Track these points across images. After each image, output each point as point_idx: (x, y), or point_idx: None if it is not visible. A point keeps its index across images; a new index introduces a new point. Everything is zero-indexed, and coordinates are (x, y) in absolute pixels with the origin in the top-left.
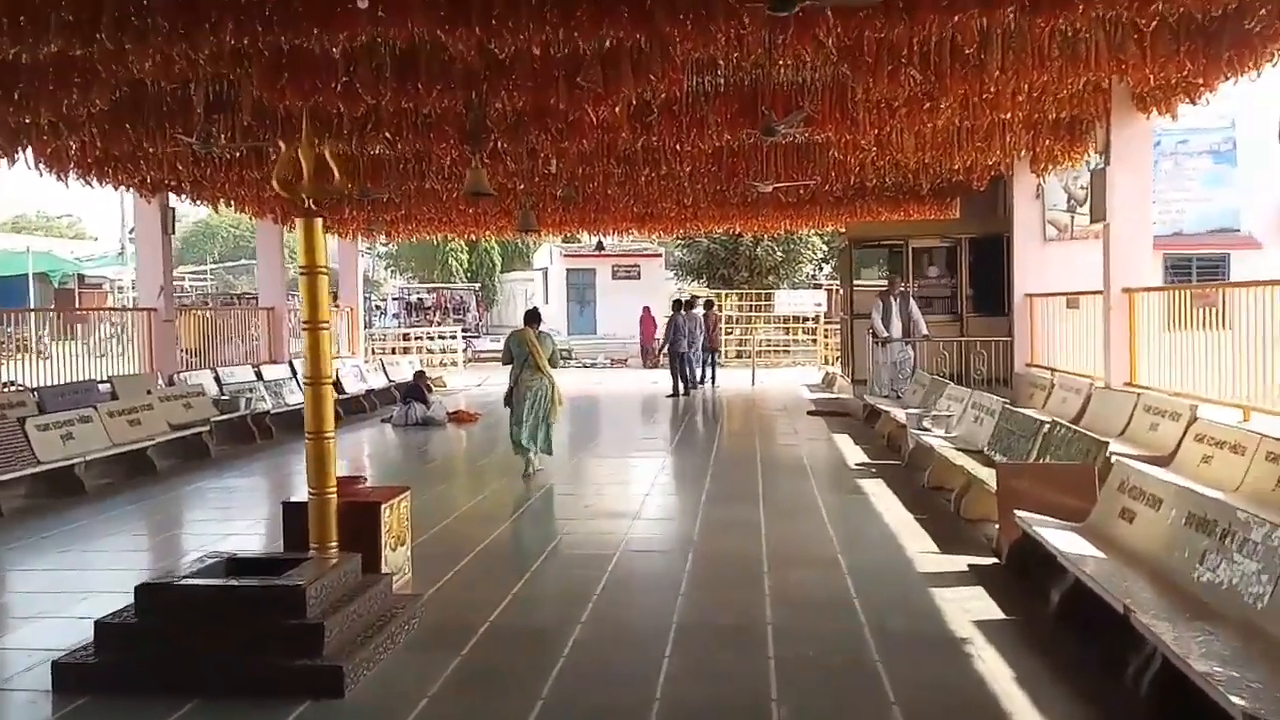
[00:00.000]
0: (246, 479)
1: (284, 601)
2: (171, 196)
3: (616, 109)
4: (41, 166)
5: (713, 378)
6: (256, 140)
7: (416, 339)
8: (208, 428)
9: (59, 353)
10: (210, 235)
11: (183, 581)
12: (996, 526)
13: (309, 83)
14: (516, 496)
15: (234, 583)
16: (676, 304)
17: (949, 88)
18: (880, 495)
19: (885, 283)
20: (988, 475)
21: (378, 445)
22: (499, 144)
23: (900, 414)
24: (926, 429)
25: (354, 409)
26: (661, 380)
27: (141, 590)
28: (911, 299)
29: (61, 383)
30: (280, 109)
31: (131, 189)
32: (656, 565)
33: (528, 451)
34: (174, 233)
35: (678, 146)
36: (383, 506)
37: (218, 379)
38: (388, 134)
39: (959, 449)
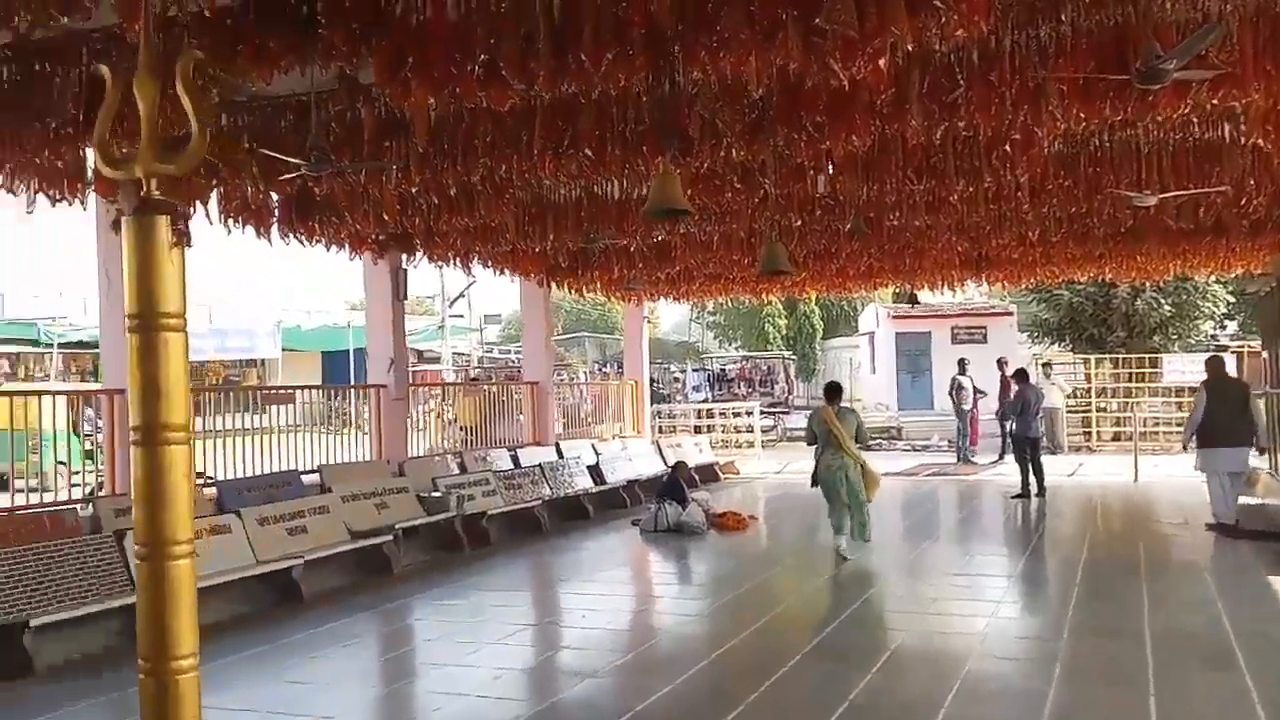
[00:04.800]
0: (389, 627)
1: None
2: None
3: (882, 62)
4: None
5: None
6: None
7: (709, 416)
8: (390, 537)
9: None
10: (555, 309)
11: None
12: None
13: (440, 68)
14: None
15: None
16: (1020, 373)
17: None
18: None
19: None
20: None
21: (582, 568)
22: (732, 151)
23: None
24: None
25: (612, 504)
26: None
27: None
28: None
29: (255, 474)
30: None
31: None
32: None
33: (841, 532)
34: (405, 298)
35: (1005, 142)
36: None
37: (463, 465)
38: (588, 150)
39: None
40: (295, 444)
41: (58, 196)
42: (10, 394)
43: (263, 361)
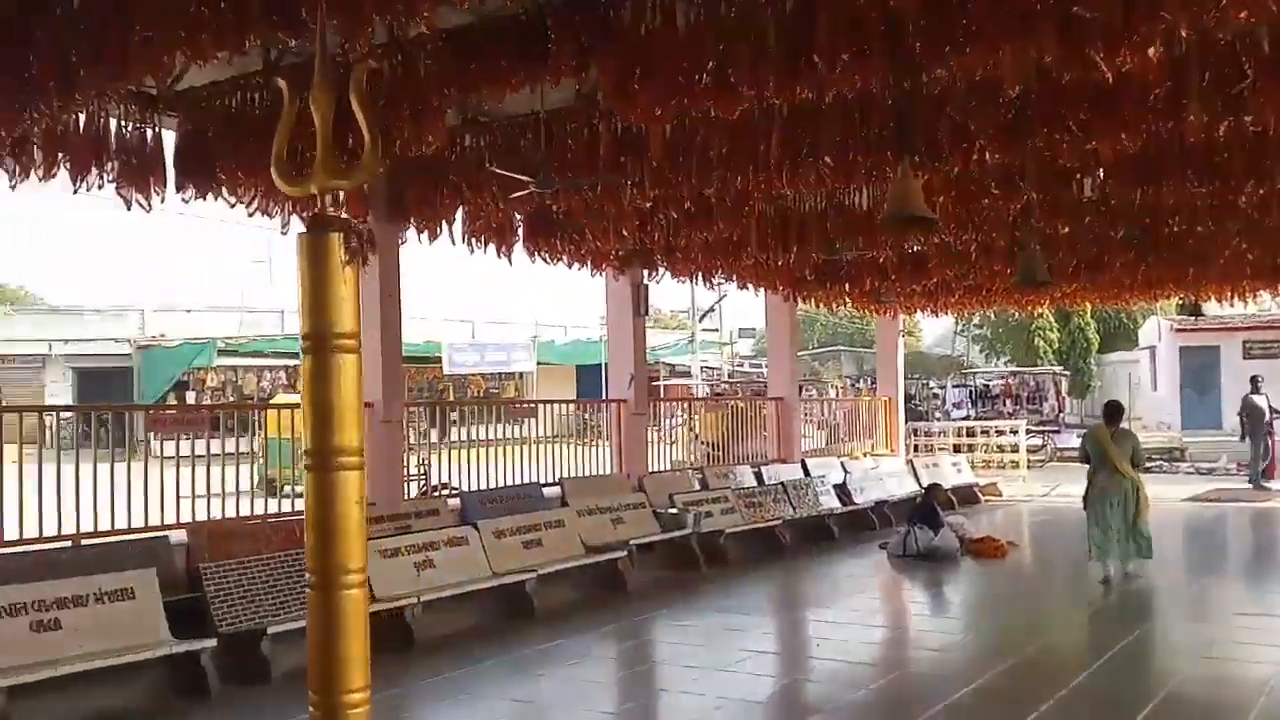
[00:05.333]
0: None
1: None
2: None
3: (1151, 52)
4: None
5: None
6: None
7: (970, 435)
8: (624, 553)
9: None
10: (810, 323)
11: None
12: None
13: (667, 78)
14: None
15: None
16: None
17: None
18: None
19: None
20: None
21: (823, 593)
22: (986, 155)
23: None
24: None
25: (859, 525)
26: None
27: None
28: None
29: (499, 486)
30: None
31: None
32: None
33: (1105, 557)
34: (646, 313)
35: None
36: None
37: (704, 481)
38: (828, 159)
39: None
40: (546, 456)
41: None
42: (276, 406)
43: (520, 375)
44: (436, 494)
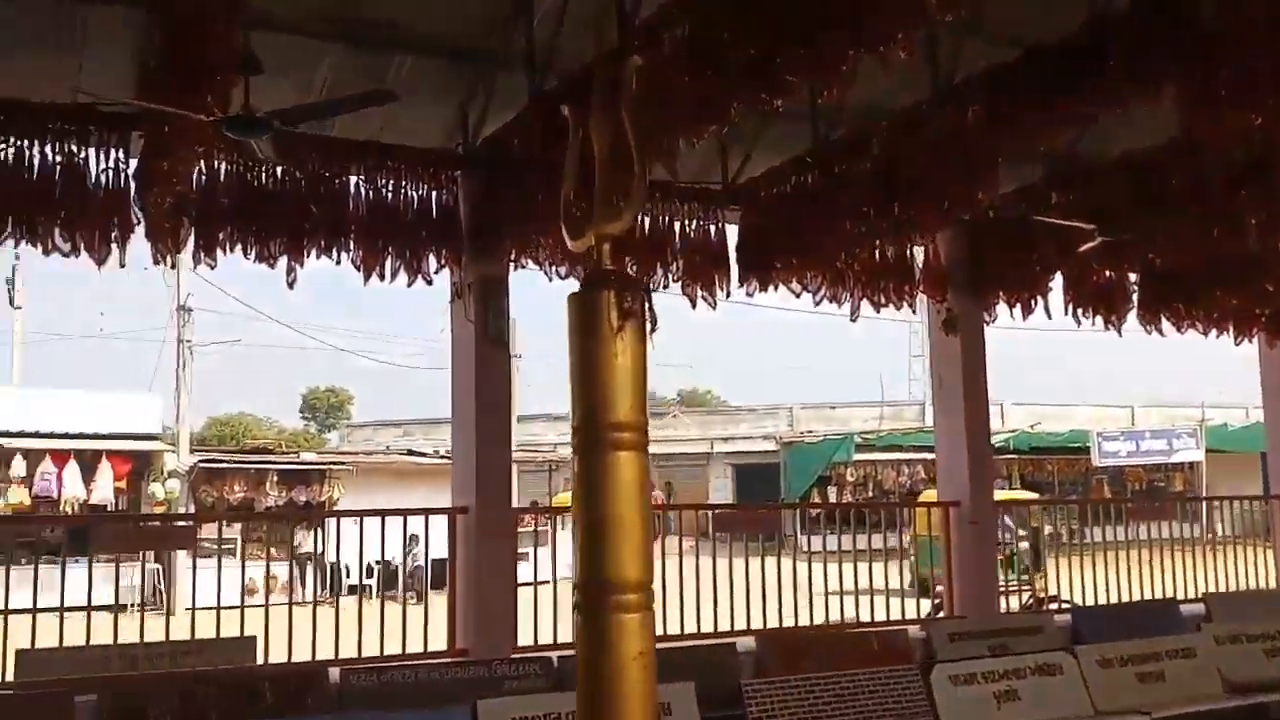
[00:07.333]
0: None
1: None
2: None
3: None
4: None
5: None
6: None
7: None
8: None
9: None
10: None
11: None
12: None
13: (1271, 78)
14: None
15: None
16: None
17: None
18: None
19: None
20: None
21: None
22: None
23: None
24: None
25: None
26: None
27: None
28: None
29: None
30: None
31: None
32: None
33: None
34: None
35: None
36: None
37: None
38: None
39: None
40: (1210, 563)
41: (882, 302)
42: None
43: (1190, 464)
44: (1044, 608)
